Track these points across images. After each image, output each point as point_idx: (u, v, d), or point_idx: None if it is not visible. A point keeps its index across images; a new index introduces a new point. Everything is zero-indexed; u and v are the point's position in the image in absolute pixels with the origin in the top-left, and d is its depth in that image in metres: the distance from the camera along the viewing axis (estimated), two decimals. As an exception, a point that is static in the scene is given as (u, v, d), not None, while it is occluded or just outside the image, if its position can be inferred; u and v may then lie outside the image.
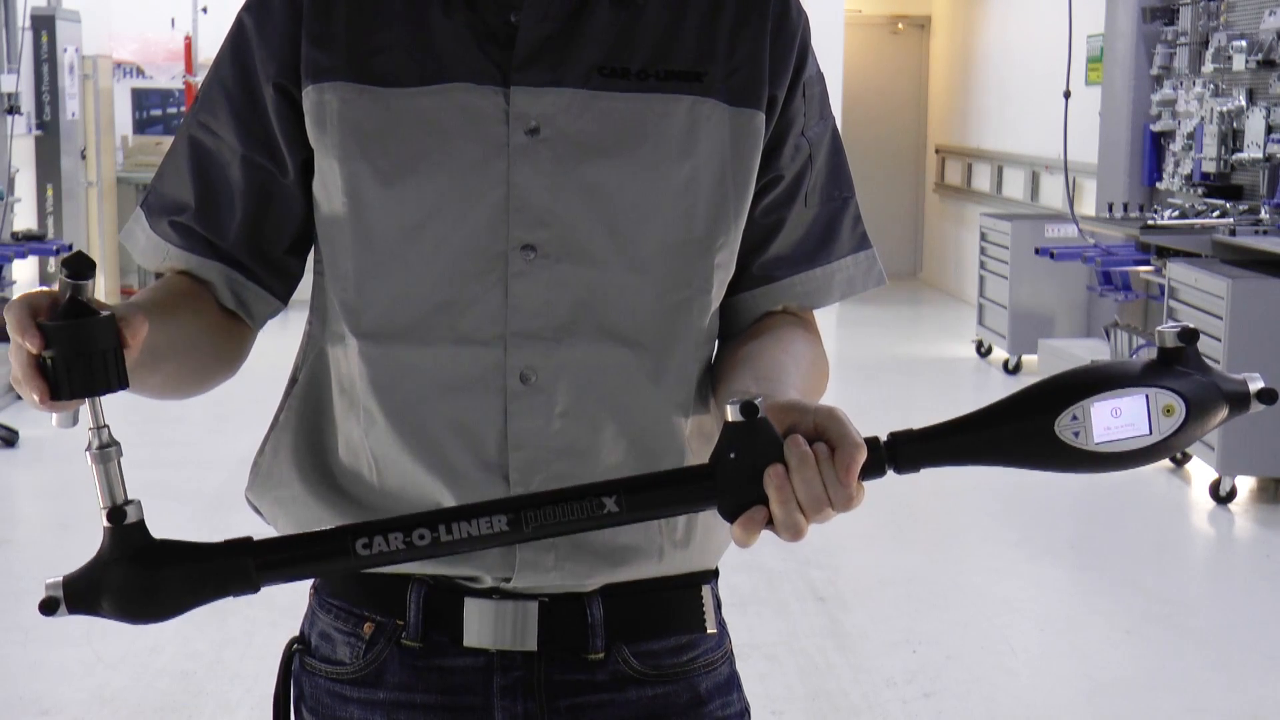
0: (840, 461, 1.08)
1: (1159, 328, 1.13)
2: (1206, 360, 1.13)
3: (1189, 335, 1.11)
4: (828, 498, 1.08)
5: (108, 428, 1.08)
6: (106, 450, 1.08)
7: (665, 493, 1.12)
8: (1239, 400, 1.12)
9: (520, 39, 1.26)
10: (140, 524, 1.09)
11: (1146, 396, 1.10)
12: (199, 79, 9.69)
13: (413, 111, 1.26)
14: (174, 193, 1.35)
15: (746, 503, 1.09)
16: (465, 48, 1.26)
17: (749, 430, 1.09)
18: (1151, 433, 1.10)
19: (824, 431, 1.10)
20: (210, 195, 1.33)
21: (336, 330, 1.33)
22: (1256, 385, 1.12)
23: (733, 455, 1.09)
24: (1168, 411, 1.10)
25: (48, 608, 1.08)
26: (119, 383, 1.05)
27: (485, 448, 1.27)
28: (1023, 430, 1.11)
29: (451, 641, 1.31)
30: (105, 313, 1.04)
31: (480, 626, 1.31)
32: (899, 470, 1.12)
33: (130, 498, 1.09)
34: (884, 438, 1.12)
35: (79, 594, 1.08)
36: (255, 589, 1.10)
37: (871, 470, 1.11)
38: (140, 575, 1.08)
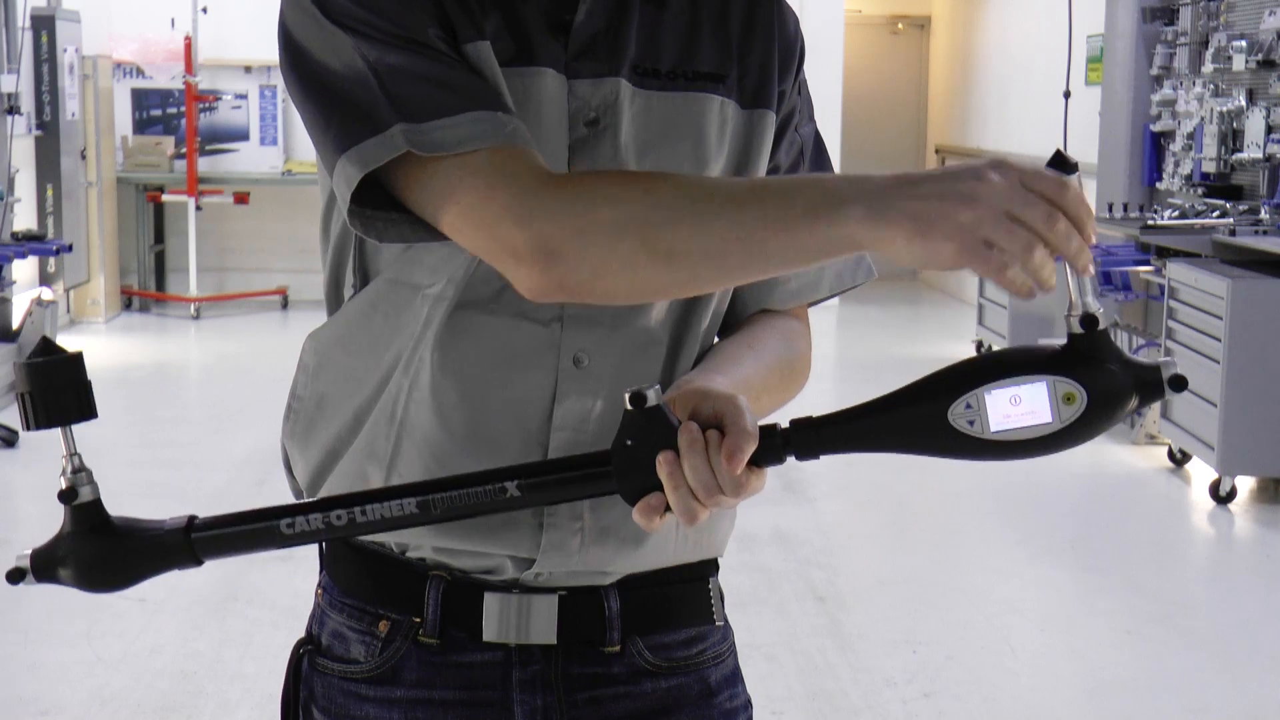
0: (726, 448, 1.11)
1: (1065, 314, 1.10)
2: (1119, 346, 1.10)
3: (1090, 321, 1.09)
4: (718, 484, 1.11)
5: (79, 455, 1.18)
6: (78, 475, 1.18)
7: (564, 477, 1.17)
8: (1150, 388, 1.10)
9: (574, 33, 1.28)
10: (96, 502, 1.19)
11: (1047, 384, 1.08)
12: (199, 79, 9.68)
13: (509, 89, 1.25)
14: (468, 94, 1.19)
15: (644, 488, 1.14)
16: (541, 34, 1.27)
17: (642, 418, 1.13)
18: (1054, 420, 1.08)
19: (720, 418, 1.13)
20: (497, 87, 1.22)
21: (408, 280, 1.29)
22: (1170, 371, 1.10)
23: (629, 442, 1.14)
24: (1068, 399, 1.08)
25: (14, 576, 1.19)
26: (82, 414, 1.16)
27: (528, 423, 1.28)
28: (917, 417, 1.11)
29: (469, 637, 1.32)
30: (74, 351, 1.16)
31: (500, 621, 1.31)
32: (799, 457, 1.14)
33: (87, 477, 1.18)
34: (784, 424, 1.14)
35: (43, 565, 1.19)
36: (198, 563, 1.20)
37: (769, 457, 1.14)
38: (95, 549, 1.19)
